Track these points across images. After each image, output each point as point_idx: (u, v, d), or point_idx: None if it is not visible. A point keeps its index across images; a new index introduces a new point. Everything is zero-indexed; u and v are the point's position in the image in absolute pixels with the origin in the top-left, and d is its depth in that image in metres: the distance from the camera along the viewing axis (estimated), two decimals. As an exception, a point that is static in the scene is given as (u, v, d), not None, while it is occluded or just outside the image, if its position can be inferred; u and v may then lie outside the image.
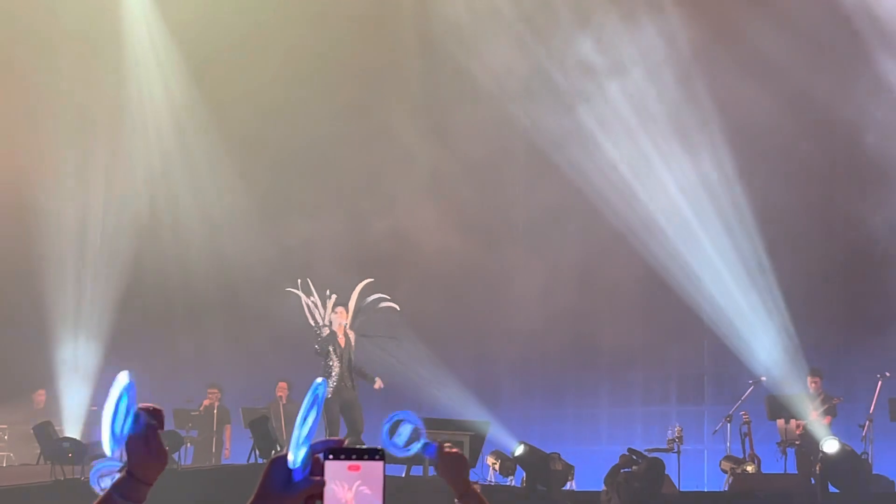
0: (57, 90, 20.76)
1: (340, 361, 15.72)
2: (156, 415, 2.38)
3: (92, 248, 21.15)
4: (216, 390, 19.17)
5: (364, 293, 16.66)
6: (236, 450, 18.63)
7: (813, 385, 16.72)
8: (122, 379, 2.36)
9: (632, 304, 21.02)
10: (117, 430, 2.33)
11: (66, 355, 20.62)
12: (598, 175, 20.02)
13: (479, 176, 21.45)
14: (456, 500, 3.80)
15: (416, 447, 3.68)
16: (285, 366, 19.51)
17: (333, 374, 15.64)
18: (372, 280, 16.88)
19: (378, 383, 16.00)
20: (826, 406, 16.32)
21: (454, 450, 3.74)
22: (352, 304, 16.45)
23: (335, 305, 16.21)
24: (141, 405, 2.38)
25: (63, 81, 20.76)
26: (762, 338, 18.95)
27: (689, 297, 19.58)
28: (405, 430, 3.72)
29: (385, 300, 16.78)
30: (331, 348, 15.80)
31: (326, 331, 15.94)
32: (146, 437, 2.36)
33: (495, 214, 21.97)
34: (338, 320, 16.03)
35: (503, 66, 20.64)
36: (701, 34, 19.66)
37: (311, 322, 16.25)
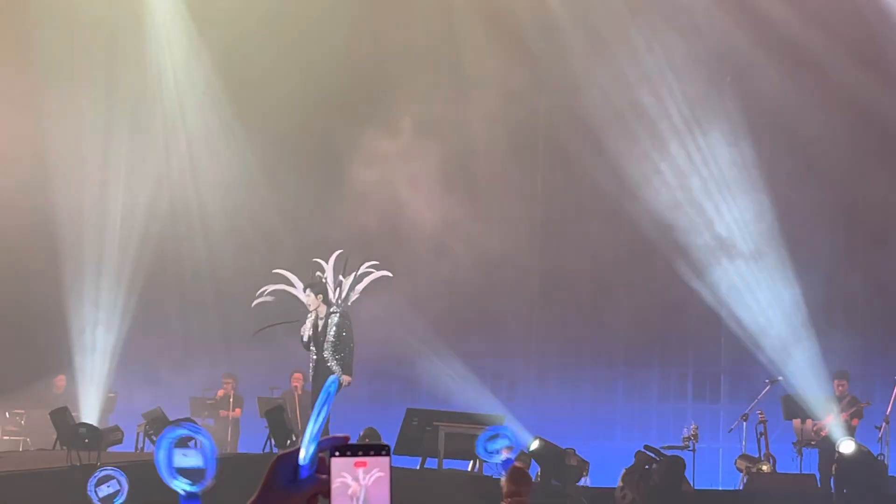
0: (79, 79, 20.80)
1: (318, 348, 15.08)
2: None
3: (112, 235, 21.18)
4: (231, 379, 19.31)
5: (342, 266, 15.85)
6: (243, 436, 18.81)
7: (840, 388, 16.66)
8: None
9: (649, 301, 20.97)
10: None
11: (84, 341, 20.68)
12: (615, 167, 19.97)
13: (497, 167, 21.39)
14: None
15: (499, 458, 4.31)
16: (304, 356, 19.52)
17: (311, 365, 15.08)
18: (342, 251, 16.20)
19: (345, 380, 14.96)
20: (854, 409, 16.28)
21: (519, 465, 4.25)
22: (328, 278, 15.75)
23: (311, 287, 15.47)
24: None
25: (84, 71, 20.80)
26: (780, 338, 18.88)
27: (706, 294, 19.52)
28: (500, 443, 4.45)
29: (371, 273, 15.88)
30: (308, 338, 15.16)
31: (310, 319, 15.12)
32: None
33: (516, 209, 21.92)
34: (311, 304, 15.27)
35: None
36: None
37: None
